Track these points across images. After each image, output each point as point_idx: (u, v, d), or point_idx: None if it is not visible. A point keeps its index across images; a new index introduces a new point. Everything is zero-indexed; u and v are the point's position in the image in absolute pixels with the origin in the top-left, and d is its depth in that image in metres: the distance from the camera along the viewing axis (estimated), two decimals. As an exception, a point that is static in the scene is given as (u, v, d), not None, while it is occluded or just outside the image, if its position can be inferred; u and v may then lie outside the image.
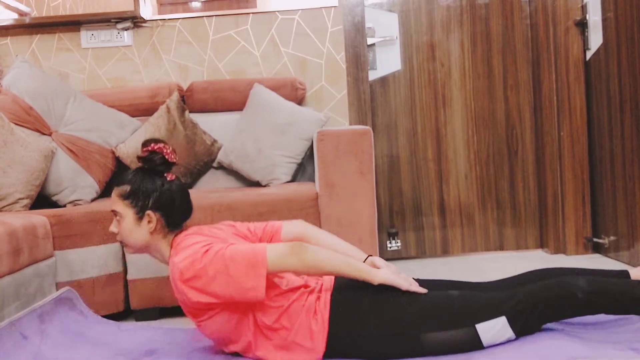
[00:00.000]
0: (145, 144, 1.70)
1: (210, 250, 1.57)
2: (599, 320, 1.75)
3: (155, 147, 1.69)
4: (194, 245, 1.60)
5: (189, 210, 1.77)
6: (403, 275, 1.67)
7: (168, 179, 1.72)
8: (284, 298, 1.63)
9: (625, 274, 1.77)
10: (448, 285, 1.78)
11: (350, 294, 1.64)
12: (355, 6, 3.20)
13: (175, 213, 1.71)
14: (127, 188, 1.69)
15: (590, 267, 1.83)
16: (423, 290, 1.64)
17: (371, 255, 1.82)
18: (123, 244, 1.76)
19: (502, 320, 1.56)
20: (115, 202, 1.71)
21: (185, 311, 1.69)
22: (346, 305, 1.62)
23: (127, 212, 1.68)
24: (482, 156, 3.31)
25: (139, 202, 1.68)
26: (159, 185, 1.69)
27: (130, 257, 2.39)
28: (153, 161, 1.70)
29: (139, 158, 1.72)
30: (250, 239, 1.80)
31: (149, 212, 1.68)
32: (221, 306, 1.60)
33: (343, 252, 1.83)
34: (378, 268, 1.78)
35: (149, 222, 1.68)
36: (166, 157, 1.70)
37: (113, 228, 1.73)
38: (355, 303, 1.62)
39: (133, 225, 1.69)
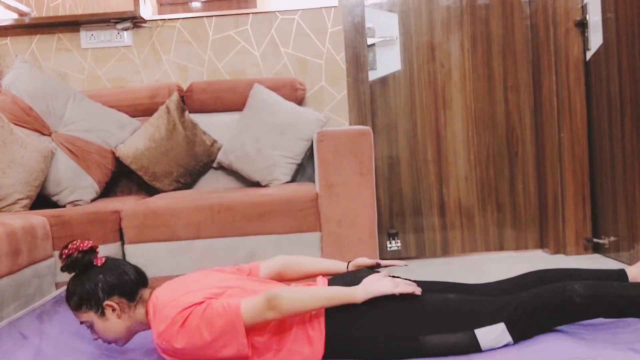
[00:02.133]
0: (60, 255, 1.69)
1: (187, 322, 1.54)
2: (599, 321, 1.75)
3: (67, 251, 1.68)
4: (169, 308, 1.57)
5: (139, 275, 1.74)
6: (387, 278, 1.62)
7: (99, 264, 1.70)
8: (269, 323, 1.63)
9: (622, 273, 1.77)
10: (446, 287, 1.78)
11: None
12: (355, 6, 3.20)
13: (127, 286, 1.69)
14: (75, 299, 1.67)
15: (590, 268, 1.83)
16: (412, 290, 1.60)
17: (350, 261, 1.86)
18: (112, 344, 1.74)
19: (501, 327, 1.56)
20: (77, 317, 1.70)
21: None
22: (342, 308, 1.62)
23: (91, 317, 1.67)
24: (482, 157, 3.31)
25: (92, 302, 1.66)
26: (96, 276, 1.67)
27: (131, 258, 2.39)
28: (76, 262, 1.68)
29: (64, 269, 1.69)
30: (231, 272, 1.81)
31: (105, 303, 1.66)
32: None
33: (325, 270, 1.86)
34: (360, 267, 1.84)
35: (113, 310, 1.67)
36: (81, 248, 1.68)
37: (93, 337, 1.72)
38: (351, 306, 1.61)
39: (104, 324, 1.67)
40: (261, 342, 1.59)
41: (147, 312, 1.68)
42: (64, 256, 1.68)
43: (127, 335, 1.71)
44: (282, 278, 1.87)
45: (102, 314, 1.66)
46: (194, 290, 1.61)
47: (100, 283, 1.66)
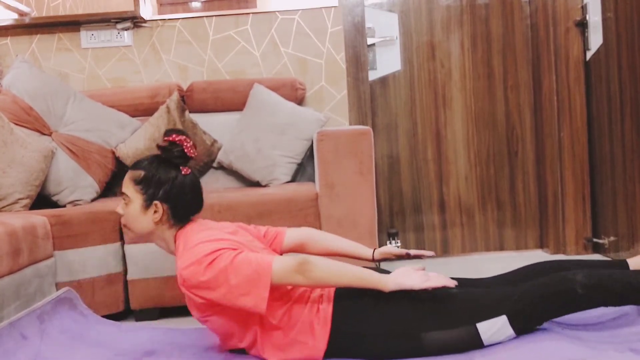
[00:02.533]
0: (167, 133, 1.69)
1: (215, 262, 1.54)
2: (599, 320, 1.75)
3: (177, 139, 1.69)
4: (199, 247, 1.58)
5: (199, 207, 1.77)
6: (419, 272, 1.60)
7: (183, 172, 1.71)
8: (288, 296, 1.63)
9: (624, 264, 1.76)
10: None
11: (353, 292, 1.63)
12: (355, 6, 3.20)
13: (183, 207, 1.71)
14: (141, 173, 1.68)
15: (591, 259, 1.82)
16: (444, 283, 1.57)
17: (376, 249, 1.85)
18: (126, 228, 1.75)
19: (503, 319, 1.55)
20: (126, 185, 1.70)
21: (190, 306, 1.68)
22: (349, 303, 1.62)
23: (135, 197, 1.68)
24: (482, 157, 3.31)
25: (150, 189, 1.67)
26: (173, 177, 1.69)
27: (130, 257, 2.39)
28: (171, 152, 1.70)
29: (159, 146, 1.71)
30: (259, 237, 1.81)
31: (157, 202, 1.67)
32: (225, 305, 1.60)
33: (350, 252, 1.85)
34: (388, 256, 1.83)
35: (155, 212, 1.68)
36: (185, 150, 1.69)
37: (119, 210, 1.73)
38: (357, 301, 1.62)
39: (139, 212, 1.68)
40: (271, 322, 1.60)
41: (175, 240, 1.69)
42: (169, 140, 1.68)
43: (146, 236, 1.74)
44: (303, 250, 1.87)
45: (147, 205, 1.67)
46: (228, 239, 1.62)
47: (169, 185, 1.68)
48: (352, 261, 1.82)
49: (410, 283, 1.56)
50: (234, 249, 1.57)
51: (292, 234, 1.88)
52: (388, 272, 1.66)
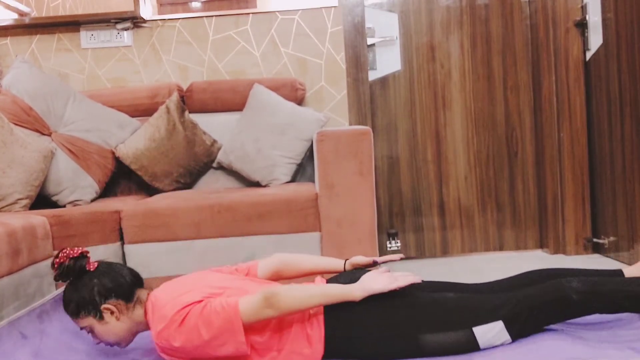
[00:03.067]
0: (52, 265, 1.68)
1: (185, 321, 1.54)
2: (598, 320, 1.75)
3: (58, 260, 1.67)
4: (168, 307, 1.57)
5: (133, 275, 1.74)
6: (385, 274, 1.62)
7: (92, 269, 1.70)
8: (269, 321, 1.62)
9: (619, 273, 1.77)
10: (445, 287, 1.78)
11: None
12: (355, 6, 3.20)
13: (123, 288, 1.69)
14: (73, 306, 1.67)
15: (590, 268, 1.83)
16: (410, 281, 1.59)
17: (347, 259, 1.85)
18: (115, 346, 1.74)
19: (499, 325, 1.56)
20: (77, 323, 1.70)
21: None
22: (340, 306, 1.62)
23: (91, 322, 1.67)
24: (482, 157, 3.31)
25: (90, 307, 1.66)
26: (91, 281, 1.67)
27: (130, 257, 2.39)
28: (68, 269, 1.67)
29: (57, 278, 1.69)
30: (229, 272, 1.81)
31: (103, 307, 1.66)
32: None
33: (323, 268, 1.87)
34: (358, 266, 1.83)
35: (111, 313, 1.67)
36: (73, 257, 1.68)
37: (95, 341, 1.72)
38: (350, 305, 1.61)
39: (104, 327, 1.67)
40: (261, 342, 1.59)
41: (145, 313, 1.68)
42: (55, 265, 1.67)
43: (128, 336, 1.71)
44: (279, 277, 1.87)
45: (101, 317, 1.66)
46: (193, 290, 1.61)
47: (95, 287, 1.66)
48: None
49: (378, 287, 1.58)
50: (199, 302, 1.56)
51: (265, 265, 1.87)
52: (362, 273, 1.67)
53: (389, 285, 1.58)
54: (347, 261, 1.86)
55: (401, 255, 1.85)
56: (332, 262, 1.89)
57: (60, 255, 1.68)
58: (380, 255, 2.32)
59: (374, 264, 1.84)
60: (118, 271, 1.71)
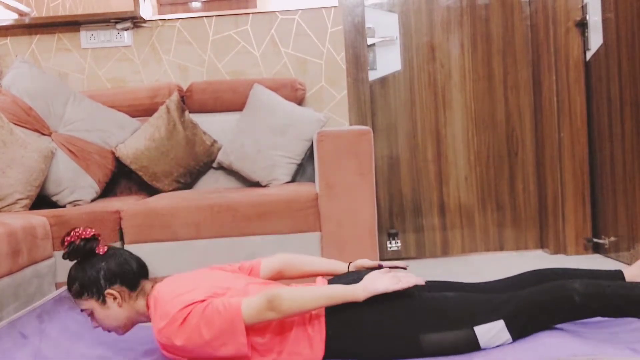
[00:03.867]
0: (62, 242, 1.68)
1: (187, 320, 1.54)
2: (599, 320, 1.75)
3: (69, 238, 1.67)
4: (170, 305, 1.57)
5: (139, 265, 1.74)
6: (388, 275, 1.61)
7: (101, 253, 1.70)
8: (270, 323, 1.62)
9: (619, 275, 1.77)
10: (445, 286, 1.78)
11: None
12: (355, 6, 3.20)
13: (129, 275, 1.69)
14: (77, 287, 1.67)
15: (590, 268, 1.83)
16: (413, 283, 1.58)
17: (351, 262, 1.85)
18: (113, 332, 1.73)
19: (500, 324, 1.56)
20: (78, 304, 1.70)
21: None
22: (342, 306, 1.61)
23: (92, 305, 1.67)
24: (482, 157, 3.31)
25: (94, 290, 1.66)
26: (98, 264, 1.67)
27: (130, 258, 2.39)
28: (77, 249, 1.68)
29: (65, 256, 1.69)
30: (235, 273, 1.80)
31: (107, 291, 1.66)
32: None
33: (326, 270, 1.86)
34: (361, 269, 1.82)
35: (114, 298, 1.67)
36: (84, 237, 1.68)
37: (94, 324, 1.72)
38: (351, 305, 1.61)
39: (104, 312, 1.67)
40: (262, 343, 1.59)
41: (147, 305, 1.68)
42: (65, 243, 1.67)
43: (127, 324, 1.71)
44: (282, 277, 1.87)
45: (104, 302, 1.66)
46: (196, 289, 1.61)
47: (102, 271, 1.66)
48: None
49: (382, 287, 1.57)
50: (202, 301, 1.56)
51: (268, 264, 1.87)
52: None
53: (392, 286, 1.57)
54: (351, 264, 1.86)
55: (406, 264, 1.83)
56: (335, 265, 1.88)
57: (72, 233, 1.68)
58: (380, 257, 2.32)
59: (379, 268, 1.83)
60: (126, 258, 1.71)
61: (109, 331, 1.72)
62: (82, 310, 1.70)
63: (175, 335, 1.54)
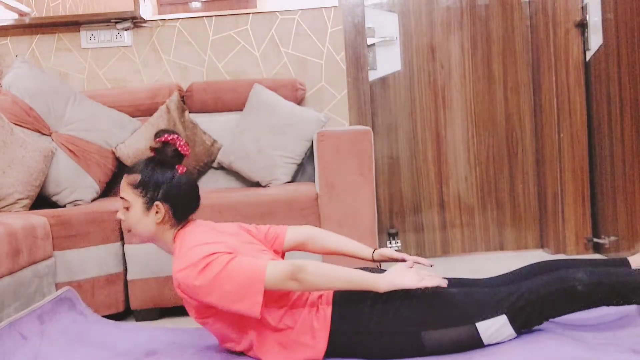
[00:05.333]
0: (159, 134, 1.70)
1: (209, 267, 1.54)
2: (600, 321, 1.75)
3: (169, 139, 1.69)
4: (195, 250, 1.58)
5: (197, 205, 1.77)
6: (412, 270, 1.61)
7: (179, 171, 1.71)
8: (287, 298, 1.63)
9: (625, 262, 1.76)
10: (448, 282, 1.77)
11: (352, 293, 1.62)
12: (355, 6, 3.20)
13: (183, 206, 1.71)
14: (137, 177, 1.68)
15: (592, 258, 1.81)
16: (437, 283, 1.58)
17: (376, 249, 1.85)
18: (130, 232, 1.75)
19: (503, 319, 1.55)
20: (124, 190, 1.70)
21: (187, 307, 1.68)
22: (348, 303, 1.62)
23: (136, 201, 1.68)
24: (482, 158, 3.31)
25: (149, 192, 1.67)
26: (170, 177, 1.69)
27: (131, 257, 2.39)
28: (165, 152, 1.70)
29: (152, 148, 1.71)
30: (258, 237, 1.81)
31: (157, 202, 1.67)
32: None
33: (350, 252, 1.85)
34: (386, 259, 1.83)
35: (157, 212, 1.68)
36: (179, 149, 1.70)
37: (120, 215, 1.73)
38: (357, 300, 1.61)
39: (141, 215, 1.69)
40: (271, 323, 1.60)
41: (174, 240, 1.70)
42: (162, 140, 1.69)
43: (149, 238, 1.73)
44: (304, 249, 1.88)
45: (148, 208, 1.68)
46: (223, 242, 1.62)
47: (167, 185, 1.68)
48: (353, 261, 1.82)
49: (404, 282, 1.57)
50: (229, 253, 1.57)
51: (293, 234, 1.88)
52: (384, 271, 1.66)
53: (416, 283, 1.57)
54: (376, 251, 1.84)
55: (431, 263, 1.81)
56: (360, 248, 1.87)
57: (173, 137, 1.69)
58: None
59: (403, 262, 1.80)
60: (192, 192, 1.73)
61: (129, 230, 1.74)
62: (122, 198, 1.71)
63: (195, 277, 1.54)
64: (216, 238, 1.64)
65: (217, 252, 1.56)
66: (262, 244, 1.82)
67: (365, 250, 1.86)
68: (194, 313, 1.67)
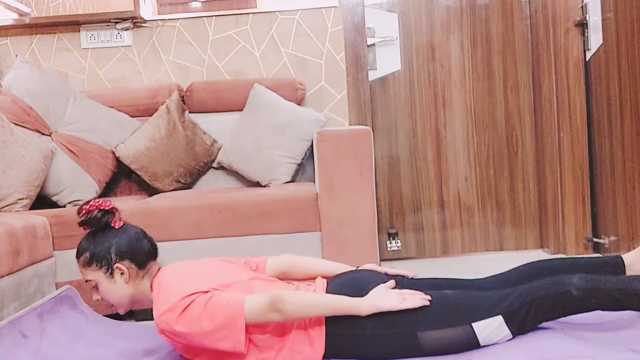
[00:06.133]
0: (79, 211, 1.69)
1: (188, 309, 1.54)
2: (600, 321, 1.75)
3: (88, 207, 1.68)
4: (171, 291, 1.57)
5: (152, 244, 1.75)
6: (394, 292, 1.62)
7: (117, 227, 1.71)
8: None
9: (619, 261, 1.76)
10: (444, 283, 1.77)
11: (345, 295, 1.63)
12: (355, 6, 3.20)
13: (140, 252, 1.70)
14: (86, 255, 1.68)
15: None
16: (419, 304, 1.58)
17: (358, 267, 1.85)
18: (113, 308, 1.74)
19: (499, 320, 1.56)
20: (83, 273, 1.70)
21: (174, 347, 1.67)
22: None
23: (98, 276, 1.68)
24: (482, 157, 3.31)
25: (103, 261, 1.67)
26: (113, 236, 1.69)
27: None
28: (94, 220, 1.69)
29: (81, 224, 1.70)
30: (239, 265, 1.81)
31: (116, 265, 1.66)
32: None
33: (332, 274, 1.84)
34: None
35: (122, 273, 1.67)
36: (102, 207, 1.69)
37: (95, 297, 1.72)
38: None
39: (110, 285, 1.68)
40: (262, 339, 1.59)
41: (151, 288, 1.69)
42: (84, 211, 1.68)
43: (129, 302, 1.72)
44: (287, 277, 1.87)
45: (111, 275, 1.67)
46: (200, 279, 1.62)
47: (115, 245, 1.67)
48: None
49: (387, 305, 1.58)
50: (205, 292, 1.56)
51: (274, 263, 1.88)
52: (359, 272, 1.66)
53: (398, 305, 1.58)
54: (358, 269, 1.85)
55: (415, 274, 1.82)
56: (341, 269, 1.86)
57: (91, 204, 1.69)
58: (380, 256, 2.31)
59: (386, 276, 1.81)
60: (139, 236, 1.73)
61: (111, 306, 1.72)
62: (86, 281, 1.70)
63: (176, 322, 1.54)
64: (192, 275, 1.64)
65: (194, 293, 1.55)
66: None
67: (347, 269, 1.86)
68: (182, 351, 1.66)
